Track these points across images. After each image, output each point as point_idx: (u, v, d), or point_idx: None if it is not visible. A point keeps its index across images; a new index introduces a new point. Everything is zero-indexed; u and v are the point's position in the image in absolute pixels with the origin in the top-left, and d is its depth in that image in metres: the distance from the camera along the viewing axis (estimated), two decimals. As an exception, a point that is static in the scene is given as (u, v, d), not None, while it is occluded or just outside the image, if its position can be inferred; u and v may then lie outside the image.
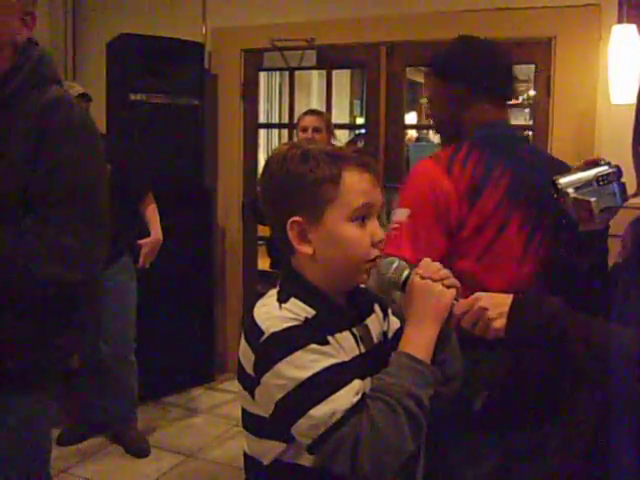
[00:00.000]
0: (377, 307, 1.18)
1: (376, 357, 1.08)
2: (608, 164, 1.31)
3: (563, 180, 1.31)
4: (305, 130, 3.20)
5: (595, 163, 1.31)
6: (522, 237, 1.52)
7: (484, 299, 1.11)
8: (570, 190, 1.29)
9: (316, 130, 3.20)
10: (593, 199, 1.26)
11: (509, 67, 1.68)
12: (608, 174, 1.29)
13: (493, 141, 1.57)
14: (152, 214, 3.11)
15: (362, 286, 1.13)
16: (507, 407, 1.46)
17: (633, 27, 2.92)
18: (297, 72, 4.03)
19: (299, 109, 3.93)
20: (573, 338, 1.08)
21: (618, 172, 1.29)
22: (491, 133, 1.60)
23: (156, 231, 3.10)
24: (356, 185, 1.04)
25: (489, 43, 1.72)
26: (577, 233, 1.34)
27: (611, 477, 1.16)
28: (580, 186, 1.29)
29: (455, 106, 1.63)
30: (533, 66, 3.41)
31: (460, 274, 1.42)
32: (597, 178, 1.28)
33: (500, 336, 1.13)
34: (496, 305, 1.11)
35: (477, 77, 1.61)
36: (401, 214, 1.52)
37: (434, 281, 1.06)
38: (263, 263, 4.06)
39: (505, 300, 1.12)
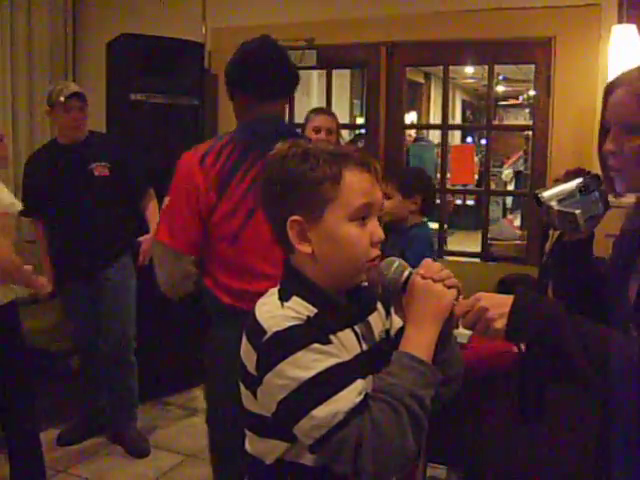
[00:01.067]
0: (380, 305, 1.18)
1: (378, 355, 1.08)
2: (588, 173, 1.30)
3: (546, 194, 1.30)
4: (318, 131, 2.97)
5: (576, 174, 1.31)
6: None
7: (485, 299, 1.10)
8: (553, 203, 1.28)
9: (329, 132, 2.97)
10: (577, 211, 1.25)
11: (280, 65, 1.81)
12: (589, 183, 1.28)
13: (251, 134, 1.74)
14: (152, 212, 3.09)
15: (364, 283, 1.11)
16: None
17: (633, 27, 2.92)
18: (297, 72, 4.03)
19: (299, 109, 3.93)
20: (570, 340, 1.08)
21: (598, 180, 1.29)
22: (249, 128, 1.77)
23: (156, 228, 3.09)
24: (356, 185, 1.03)
25: (261, 43, 1.81)
26: (563, 243, 1.33)
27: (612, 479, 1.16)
28: (563, 198, 1.28)
29: (233, 101, 1.84)
30: (533, 66, 3.41)
31: (219, 255, 1.72)
32: (579, 188, 1.28)
33: (500, 336, 1.13)
34: (497, 305, 1.10)
35: (237, 76, 1.80)
36: (164, 202, 1.75)
37: (435, 281, 1.05)
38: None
39: (506, 301, 1.11)
